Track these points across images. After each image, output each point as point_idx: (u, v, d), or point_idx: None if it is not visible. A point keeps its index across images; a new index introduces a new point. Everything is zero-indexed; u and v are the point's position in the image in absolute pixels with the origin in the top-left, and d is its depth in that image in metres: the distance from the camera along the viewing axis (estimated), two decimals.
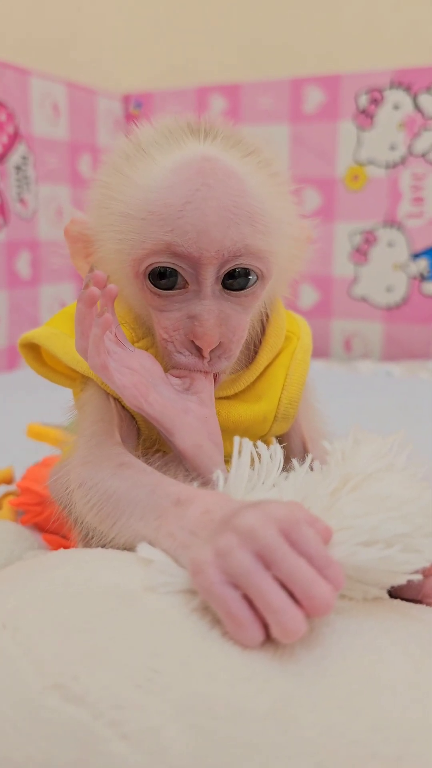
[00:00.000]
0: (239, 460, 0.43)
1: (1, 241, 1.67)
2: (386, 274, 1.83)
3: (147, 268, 0.47)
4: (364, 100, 1.78)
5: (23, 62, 1.71)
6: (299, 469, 0.44)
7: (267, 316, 0.55)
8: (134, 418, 0.53)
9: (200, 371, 0.49)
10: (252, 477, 0.43)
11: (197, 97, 1.97)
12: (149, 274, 0.47)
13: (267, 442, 0.57)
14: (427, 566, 0.40)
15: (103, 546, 0.44)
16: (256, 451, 0.44)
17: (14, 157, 1.68)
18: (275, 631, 0.32)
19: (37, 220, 1.76)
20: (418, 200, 1.77)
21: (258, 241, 0.46)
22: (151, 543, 0.39)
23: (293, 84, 1.85)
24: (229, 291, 0.48)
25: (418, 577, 0.39)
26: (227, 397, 0.54)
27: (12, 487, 0.84)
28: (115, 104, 2.04)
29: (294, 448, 0.59)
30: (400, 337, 1.84)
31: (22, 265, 1.73)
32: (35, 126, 1.74)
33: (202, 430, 0.48)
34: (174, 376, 0.49)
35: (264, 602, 0.32)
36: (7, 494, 0.81)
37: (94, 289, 0.43)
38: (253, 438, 0.54)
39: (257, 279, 0.48)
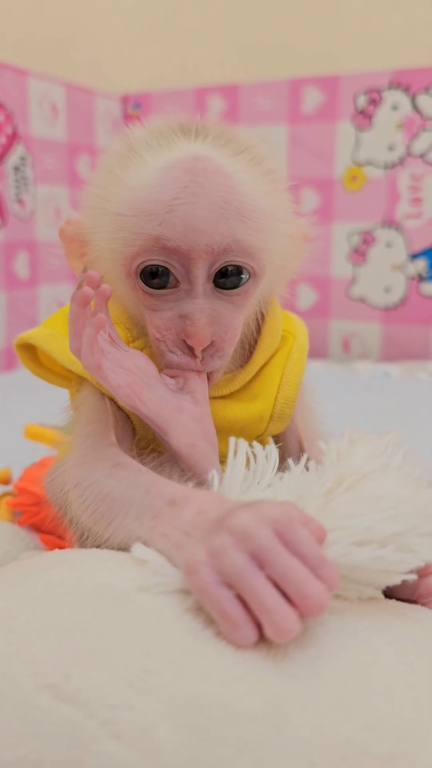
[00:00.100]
0: (234, 460, 0.43)
1: (0, 242, 1.67)
2: (384, 275, 1.83)
3: (138, 266, 0.47)
4: (362, 101, 1.79)
5: (22, 63, 1.71)
6: (294, 469, 0.44)
7: (262, 315, 0.55)
8: (129, 419, 0.53)
9: (193, 370, 0.49)
10: (247, 477, 0.43)
11: (196, 98, 1.98)
12: (141, 273, 0.47)
13: (263, 442, 0.57)
14: (422, 566, 0.40)
15: (98, 546, 0.44)
16: (252, 452, 0.44)
17: (12, 158, 1.68)
18: (269, 631, 0.32)
19: (36, 221, 1.76)
20: (417, 201, 1.77)
21: (249, 237, 0.46)
22: (145, 543, 0.39)
23: (292, 85, 1.85)
24: (221, 290, 0.48)
25: (413, 577, 0.39)
26: (223, 397, 0.54)
27: (9, 488, 0.84)
28: (114, 105, 2.04)
29: (290, 447, 0.59)
30: (399, 338, 1.84)
31: (20, 265, 1.73)
32: (33, 126, 1.74)
33: (197, 430, 0.48)
34: (168, 375, 0.49)
35: (257, 602, 0.32)
36: (4, 495, 0.81)
37: (87, 289, 0.43)
38: (250, 438, 0.54)
39: (249, 277, 0.48)
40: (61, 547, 0.60)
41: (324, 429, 0.60)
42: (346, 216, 1.85)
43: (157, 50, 2.04)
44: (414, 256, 1.79)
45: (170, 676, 0.31)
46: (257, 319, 0.55)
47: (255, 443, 0.45)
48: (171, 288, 0.47)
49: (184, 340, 0.48)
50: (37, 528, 0.74)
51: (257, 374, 0.55)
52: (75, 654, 0.32)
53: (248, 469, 0.44)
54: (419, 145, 1.74)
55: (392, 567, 0.37)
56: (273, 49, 1.90)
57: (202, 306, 0.47)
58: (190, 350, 0.48)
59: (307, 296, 1.92)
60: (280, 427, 0.57)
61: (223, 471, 0.43)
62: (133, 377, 0.46)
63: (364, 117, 1.79)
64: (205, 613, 0.34)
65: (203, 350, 0.48)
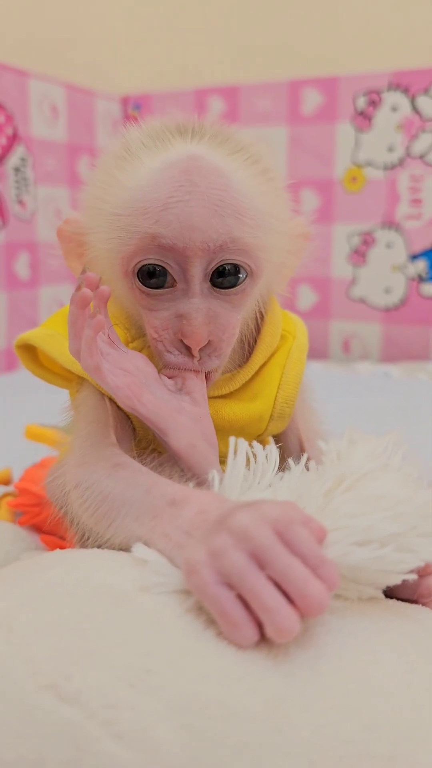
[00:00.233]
0: (234, 460, 0.43)
1: (0, 243, 1.67)
2: (385, 276, 1.83)
3: (135, 266, 0.47)
4: (362, 102, 1.79)
5: (22, 64, 1.71)
6: (294, 469, 0.44)
7: (262, 314, 0.55)
8: (129, 419, 0.53)
9: (191, 370, 0.49)
10: (247, 477, 0.43)
11: (196, 99, 1.98)
12: (138, 273, 0.47)
13: (263, 442, 0.57)
14: (422, 566, 0.40)
15: (98, 546, 0.44)
16: (252, 452, 0.44)
17: (13, 159, 1.68)
18: (269, 631, 0.32)
19: (36, 222, 1.76)
20: (417, 202, 1.77)
21: (245, 235, 0.46)
22: (146, 543, 0.39)
23: (291, 86, 1.85)
24: (218, 289, 0.48)
25: (413, 577, 0.39)
26: (222, 396, 0.54)
27: (10, 488, 0.84)
28: (114, 106, 2.04)
29: (290, 447, 0.59)
30: (399, 339, 1.84)
31: (21, 266, 1.73)
32: (34, 127, 1.74)
33: (196, 430, 0.48)
34: (166, 376, 0.49)
35: (258, 602, 0.32)
36: (5, 495, 0.81)
37: (86, 291, 0.43)
38: (250, 437, 0.54)
39: (247, 276, 0.48)
40: (62, 548, 0.60)
41: (324, 428, 0.60)
42: (346, 217, 1.85)
43: (157, 51, 2.04)
44: (414, 257, 1.79)
45: (171, 676, 0.31)
46: (256, 319, 0.55)
47: (255, 443, 0.45)
48: (168, 288, 0.48)
49: (181, 340, 0.48)
50: (38, 528, 0.74)
51: (257, 373, 0.55)
52: (75, 654, 0.32)
53: (248, 469, 0.44)
54: (419, 146, 1.74)
55: (392, 567, 0.37)
56: (273, 50, 1.90)
57: (198, 305, 0.47)
58: (188, 350, 0.48)
59: (307, 297, 1.92)
60: (280, 427, 0.57)
61: (223, 471, 0.43)
62: (132, 378, 0.46)
63: (363, 118, 1.79)
64: (206, 614, 0.34)
65: (201, 350, 0.48)
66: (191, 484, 0.43)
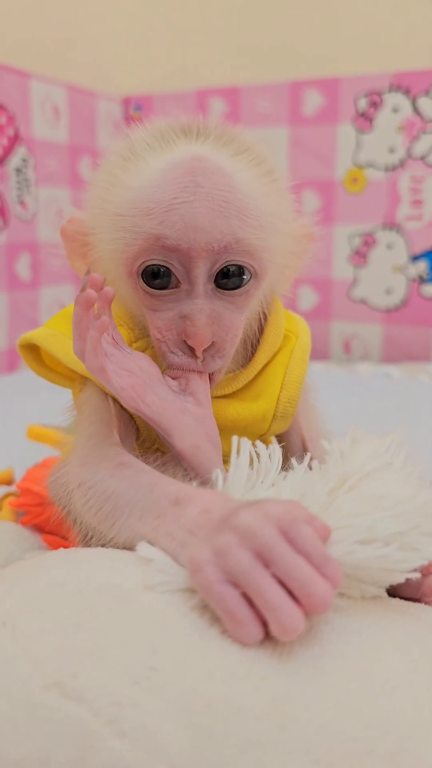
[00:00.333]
0: (238, 459, 0.43)
1: (1, 244, 1.67)
2: (385, 277, 1.83)
3: (140, 266, 0.47)
4: (363, 103, 1.79)
5: (23, 65, 1.71)
6: (298, 469, 0.44)
7: (265, 314, 0.55)
8: (133, 419, 0.53)
9: (194, 371, 0.49)
10: (250, 476, 0.43)
11: (197, 100, 1.98)
12: (142, 274, 0.47)
13: (266, 441, 0.57)
14: (426, 565, 0.40)
15: (102, 546, 0.44)
16: (255, 451, 0.44)
17: (14, 160, 1.68)
18: (274, 629, 0.32)
19: (37, 223, 1.77)
20: (417, 203, 1.77)
21: (249, 236, 0.46)
22: (150, 542, 0.39)
23: (292, 87, 1.85)
24: (222, 290, 0.48)
25: (416, 575, 0.39)
26: (225, 396, 0.54)
27: (12, 488, 0.84)
28: (115, 107, 2.05)
29: (293, 447, 0.59)
30: (400, 339, 1.84)
31: (22, 267, 1.73)
32: (35, 129, 1.74)
33: (200, 431, 0.48)
34: (169, 376, 0.49)
35: (262, 600, 0.32)
36: (7, 495, 0.82)
37: (90, 292, 0.43)
38: (252, 437, 0.54)
39: (251, 277, 0.48)
40: (64, 547, 0.60)
41: (327, 428, 0.60)
42: (347, 218, 1.85)
43: (158, 52, 2.05)
44: (415, 258, 1.79)
45: (175, 674, 0.31)
46: (260, 319, 0.55)
47: (258, 442, 0.45)
48: (172, 288, 0.48)
49: (185, 341, 0.48)
50: (40, 528, 0.74)
51: (260, 373, 0.56)
52: (80, 652, 0.32)
53: (251, 469, 0.44)
54: (420, 148, 1.74)
55: (395, 565, 0.37)
56: (274, 51, 1.90)
57: (202, 306, 0.47)
58: (191, 351, 0.48)
59: (308, 298, 1.93)
60: (283, 427, 0.57)
61: (227, 470, 0.44)
62: (136, 379, 0.46)
63: (364, 119, 1.79)
64: (210, 612, 0.34)
65: (204, 351, 0.48)
66: (194, 484, 0.43)
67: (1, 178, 1.65)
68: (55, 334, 0.54)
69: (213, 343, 0.48)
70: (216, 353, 0.49)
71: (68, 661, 0.31)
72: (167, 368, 0.50)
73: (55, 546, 0.69)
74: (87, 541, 0.48)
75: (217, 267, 0.47)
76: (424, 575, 0.42)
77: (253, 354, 0.55)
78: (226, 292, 0.48)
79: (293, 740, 0.30)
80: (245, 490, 0.42)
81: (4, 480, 0.85)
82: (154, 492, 0.41)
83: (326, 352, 1.93)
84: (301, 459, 0.45)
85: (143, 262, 0.47)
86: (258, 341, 0.55)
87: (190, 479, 0.45)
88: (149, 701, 0.30)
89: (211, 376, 0.50)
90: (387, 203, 1.80)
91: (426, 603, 0.43)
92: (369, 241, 1.84)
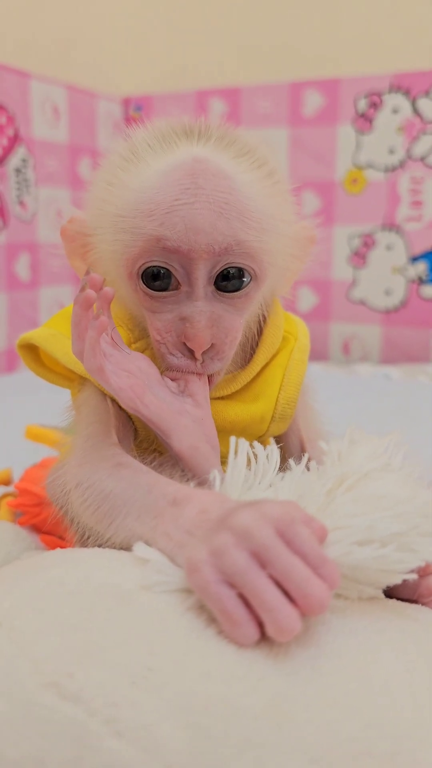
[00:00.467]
0: (235, 460, 0.43)
1: (1, 244, 1.67)
2: (385, 278, 1.83)
3: (140, 268, 0.47)
4: (363, 104, 1.79)
5: (23, 65, 1.71)
6: (295, 469, 0.44)
7: (264, 316, 0.55)
8: (131, 420, 0.53)
9: (194, 373, 0.49)
10: (248, 477, 0.43)
11: (197, 101, 1.98)
12: (142, 275, 0.47)
13: (265, 443, 0.57)
14: (423, 566, 0.40)
15: (99, 546, 0.44)
16: (253, 452, 0.44)
17: (14, 160, 1.69)
18: (270, 630, 0.32)
19: (37, 223, 1.77)
20: (417, 204, 1.77)
21: (250, 237, 0.46)
22: (147, 542, 0.39)
23: (292, 88, 1.85)
24: (222, 293, 0.48)
25: (413, 576, 0.39)
26: (224, 397, 0.54)
27: (10, 489, 0.84)
28: (115, 107, 2.05)
29: (292, 448, 0.59)
30: (399, 340, 1.84)
31: (22, 267, 1.73)
32: (35, 129, 1.74)
33: (198, 432, 0.48)
34: (168, 378, 0.49)
35: (259, 600, 0.32)
36: (5, 495, 0.81)
37: (90, 292, 0.43)
38: (251, 438, 0.54)
39: (251, 280, 0.48)
40: (62, 548, 0.60)
41: (325, 429, 0.60)
42: (347, 219, 1.85)
43: (158, 53, 2.05)
44: (414, 259, 1.79)
45: (172, 674, 0.31)
46: (259, 321, 0.55)
47: (256, 443, 0.45)
48: (172, 290, 0.48)
49: (184, 343, 0.48)
50: (38, 529, 0.74)
51: (258, 375, 0.56)
52: (78, 652, 0.32)
53: (249, 469, 0.44)
54: (419, 149, 1.74)
55: (393, 566, 0.38)
56: (274, 51, 1.91)
57: (202, 308, 0.47)
58: (191, 353, 0.48)
59: (307, 299, 1.93)
60: (281, 428, 0.57)
61: (225, 472, 0.44)
62: (135, 380, 0.46)
63: (364, 120, 1.80)
64: (207, 612, 0.34)
65: (203, 353, 0.48)
66: (192, 484, 0.43)
67: (0, 178, 1.65)
68: (55, 335, 0.54)
69: (212, 345, 0.48)
70: (215, 355, 0.49)
71: (65, 661, 0.31)
72: (166, 370, 0.50)
73: (52, 546, 0.69)
74: (84, 542, 0.48)
75: (218, 269, 0.47)
76: (421, 576, 0.42)
77: (252, 355, 0.55)
78: (226, 294, 0.48)
79: (291, 740, 0.30)
80: (243, 490, 0.42)
81: (2, 480, 0.85)
82: (152, 492, 0.41)
83: (325, 353, 1.93)
84: (299, 460, 0.45)
85: (143, 264, 0.47)
86: (257, 343, 0.55)
87: (188, 480, 0.45)
88: (146, 701, 0.30)
89: (210, 378, 0.50)
90: (387, 204, 1.80)
91: (423, 604, 0.43)
92: (368, 242, 1.84)
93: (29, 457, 0.86)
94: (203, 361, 0.49)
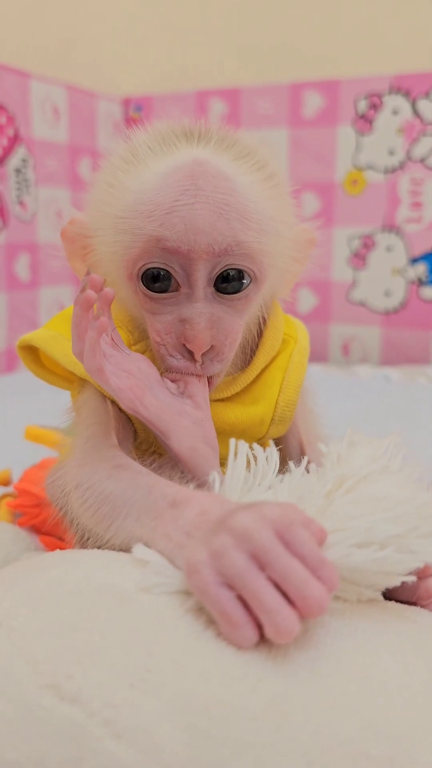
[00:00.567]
0: (235, 462, 0.43)
1: (1, 244, 1.67)
2: (385, 279, 1.83)
3: (140, 269, 0.47)
4: (363, 105, 1.79)
5: (23, 65, 1.71)
6: (295, 471, 0.44)
7: (264, 318, 0.55)
8: (131, 421, 0.53)
9: (193, 374, 0.49)
10: (248, 479, 0.43)
11: (197, 101, 1.98)
12: (142, 277, 0.47)
13: (264, 445, 0.57)
14: (422, 568, 0.40)
15: (99, 547, 0.44)
16: (252, 453, 0.44)
17: (14, 160, 1.69)
18: (269, 632, 0.32)
19: (37, 223, 1.77)
20: (417, 205, 1.77)
21: (250, 239, 0.46)
22: (147, 544, 0.39)
23: (293, 89, 1.86)
24: (222, 294, 0.48)
25: (412, 578, 0.39)
26: (223, 399, 0.54)
27: (9, 489, 0.84)
28: (115, 107, 2.05)
29: (291, 450, 0.59)
30: (399, 342, 1.84)
31: (21, 267, 1.73)
32: (35, 129, 1.74)
33: (198, 433, 0.48)
34: (168, 379, 0.49)
35: (258, 602, 0.32)
36: (4, 496, 0.82)
37: (90, 293, 0.43)
38: (250, 440, 0.54)
39: (251, 282, 0.48)
40: (61, 548, 0.60)
41: (325, 432, 0.60)
42: (347, 220, 1.85)
43: (158, 53, 2.05)
44: (414, 261, 1.80)
45: (171, 676, 0.31)
46: (259, 323, 0.55)
47: (255, 445, 0.45)
48: (172, 292, 0.48)
49: (184, 344, 0.48)
50: (37, 529, 0.74)
51: (258, 377, 0.56)
52: (76, 654, 0.32)
53: (249, 471, 0.44)
54: (419, 150, 1.75)
55: (392, 568, 0.38)
56: (274, 52, 1.91)
57: (201, 310, 0.47)
58: (190, 354, 0.48)
59: (307, 300, 1.93)
60: (281, 431, 0.57)
61: (224, 474, 0.44)
62: (135, 381, 0.46)
63: (364, 121, 1.80)
64: (206, 614, 0.34)
65: (203, 354, 0.48)
66: (192, 486, 0.43)
67: (0, 178, 1.65)
68: (55, 336, 0.54)
69: (212, 346, 0.48)
70: (215, 357, 0.49)
71: (64, 662, 0.32)
72: (166, 371, 0.50)
73: (51, 547, 0.69)
74: (84, 543, 0.48)
75: (217, 271, 0.47)
76: (419, 578, 0.42)
77: (251, 358, 0.55)
78: (226, 296, 0.48)
79: (289, 742, 0.30)
80: (242, 492, 0.42)
81: (1, 481, 0.85)
82: (151, 494, 0.41)
83: (325, 354, 1.93)
84: (298, 462, 0.45)
85: (143, 265, 0.47)
86: (257, 345, 0.56)
87: (188, 481, 0.45)
88: (145, 703, 0.30)
89: (209, 380, 0.50)
90: (386, 205, 1.80)
91: (422, 606, 0.43)
92: (368, 243, 1.84)
93: (28, 457, 0.86)
94: (203, 363, 0.49)
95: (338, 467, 0.44)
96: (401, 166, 1.77)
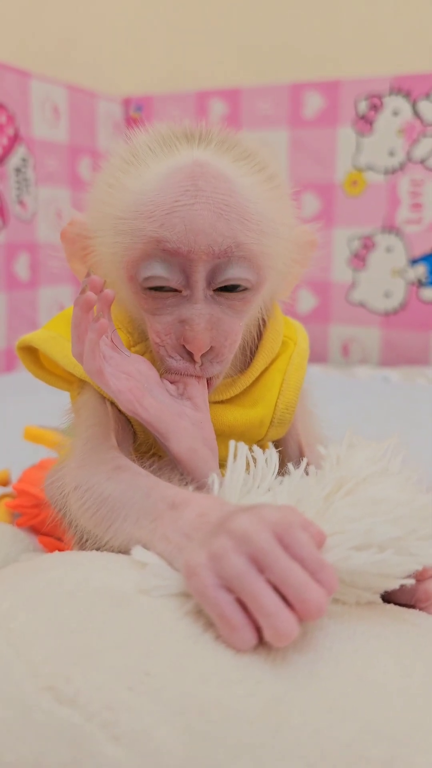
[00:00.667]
0: (234, 464, 0.43)
1: (0, 244, 1.67)
2: (384, 280, 1.83)
3: (140, 270, 0.47)
4: (363, 106, 1.79)
5: (24, 65, 1.71)
6: (294, 474, 0.44)
7: (264, 320, 0.55)
8: (130, 423, 0.53)
9: (193, 376, 0.49)
10: (247, 481, 0.43)
11: (197, 102, 1.98)
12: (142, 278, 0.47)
13: (263, 447, 0.57)
14: (420, 571, 0.40)
15: (98, 549, 0.44)
16: (251, 456, 0.44)
17: (14, 159, 1.68)
18: (268, 634, 0.32)
19: (37, 223, 1.77)
20: (417, 206, 1.77)
21: (250, 240, 0.46)
22: (145, 546, 0.39)
23: (293, 89, 1.86)
24: (221, 293, 0.48)
25: (411, 581, 0.39)
26: (223, 401, 0.54)
27: (8, 489, 0.84)
28: (115, 107, 2.05)
29: (290, 452, 0.59)
30: (398, 343, 1.84)
31: (21, 267, 1.73)
32: (35, 128, 1.74)
33: (197, 435, 0.48)
34: (168, 380, 0.49)
35: (257, 605, 0.32)
36: (3, 496, 0.81)
37: (90, 294, 0.43)
38: (250, 442, 0.54)
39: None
40: (60, 550, 0.60)
41: (324, 433, 0.60)
42: (347, 221, 1.85)
43: (158, 53, 2.05)
44: (414, 262, 1.80)
45: (170, 678, 0.31)
46: (258, 325, 0.55)
47: (255, 447, 0.45)
48: (172, 292, 0.48)
49: (183, 346, 0.48)
50: (35, 530, 0.74)
51: (258, 379, 0.56)
52: (75, 656, 0.32)
53: (248, 473, 0.44)
54: (420, 151, 1.75)
55: (391, 571, 0.38)
56: (274, 53, 1.91)
57: (201, 311, 0.47)
58: (190, 355, 0.48)
59: (306, 301, 1.93)
60: (280, 433, 0.57)
61: (223, 475, 0.44)
62: (135, 382, 0.46)
63: (365, 122, 1.80)
64: (205, 617, 0.34)
65: (202, 356, 0.48)
66: (191, 488, 0.43)
67: (0, 178, 1.65)
68: (54, 337, 0.54)
69: (211, 348, 0.48)
70: (214, 358, 0.49)
71: (62, 664, 0.32)
72: (165, 373, 0.50)
73: (50, 548, 0.69)
74: (82, 544, 0.48)
75: (219, 281, 0.47)
76: (418, 581, 0.42)
77: (251, 360, 0.55)
78: (226, 294, 0.48)
79: (287, 744, 0.30)
80: (241, 494, 0.42)
81: (0, 481, 0.85)
82: (150, 495, 0.41)
83: (324, 355, 1.93)
84: (298, 465, 0.45)
85: (143, 266, 0.47)
86: (256, 347, 0.55)
87: (187, 484, 0.45)
88: (144, 705, 0.30)
89: (209, 381, 0.50)
90: (386, 206, 1.80)
91: (420, 609, 0.43)
92: (368, 244, 1.84)
93: (27, 457, 0.85)
94: (202, 364, 0.49)
95: (337, 469, 0.44)
96: (401, 167, 1.77)
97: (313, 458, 0.53)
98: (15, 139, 1.68)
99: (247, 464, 0.44)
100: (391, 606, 0.42)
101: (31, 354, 0.56)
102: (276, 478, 0.44)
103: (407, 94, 1.73)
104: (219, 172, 0.45)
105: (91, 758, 0.29)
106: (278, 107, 1.88)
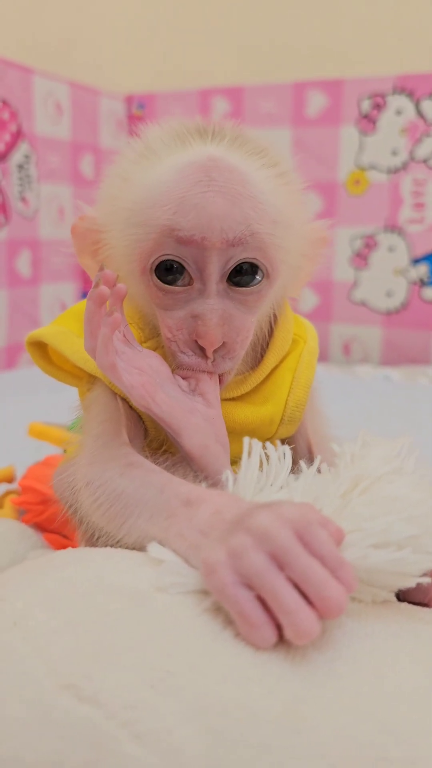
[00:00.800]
0: (248, 461, 0.43)
1: (2, 240, 1.66)
2: (386, 279, 1.83)
3: (153, 262, 0.47)
4: (366, 105, 1.79)
5: (26, 61, 1.70)
6: (307, 471, 0.44)
7: (275, 317, 0.55)
8: (141, 419, 0.52)
9: (205, 371, 0.49)
10: (261, 478, 0.43)
11: (199, 100, 1.98)
12: (156, 269, 0.47)
13: (273, 445, 0.57)
14: None
15: (109, 546, 0.44)
16: (265, 453, 0.44)
17: (16, 156, 1.68)
18: (288, 632, 0.32)
19: (39, 219, 1.76)
20: (419, 206, 1.77)
21: (263, 229, 0.46)
22: (160, 543, 0.39)
23: (296, 88, 1.85)
24: (234, 288, 0.48)
25: (427, 579, 0.39)
26: (233, 399, 0.54)
27: (13, 486, 0.84)
28: (118, 105, 2.04)
29: (299, 451, 0.58)
30: (400, 342, 1.84)
31: (23, 264, 1.73)
32: (38, 125, 1.74)
33: (209, 431, 0.47)
34: (180, 376, 0.49)
35: (277, 603, 0.32)
36: (8, 493, 0.81)
37: (103, 288, 0.43)
38: (260, 440, 0.54)
39: (264, 277, 0.48)
40: (65, 546, 0.59)
41: (333, 433, 0.60)
42: (349, 220, 1.85)
43: (161, 51, 2.04)
44: (416, 261, 1.79)
45: (190, 677, 0.31)
46: (270, 322, 0.54)
47: (269, 444, 0.45)
48: (185, 286, 0.47)
49: (195, 341, 0.48)
50: (41, 527, 0.74)
51: (268, 377, 0.55)
52: (94, 654, 0.31)
53: (262, 471, 0.43)
54: (422, 150, 1.75)
55: (408, 569, 0.37)
56: (277, 51, 1.90)
57: (214, 306, 0.47)
58: (202, 351, 0.48)
59: (308, 299, 1.93)
60: (290, 431, 0.57)
61: (234, 472, 0.43)
62: (147, 377, 0.46)
63: (368, 121, 1.80)
64: (224, 614, 0.34)
65: (214, 351, 0.48)
66: (204, 485, 0.42)
67: (3, 174, 1.65)
68: (64, 332, 0.54)
69: (224, 343, 0.48)
70: (226, 354, 0.49)
71: (82, 662, 0.31)
72: (177, 368, 0.49)
73: (56, 545, 0.69)
74: (93, 541, 0.47)
75: (231, 264, 0.47)
76: None
77: (262, 357, 0.55)
78: (238, 289, 0.48)
79: (308, 744, 0.29)
80: (255, 491, 0.42)
81: (4, 477, 0.85)
82: (164, 492, 0.41)
83: (326, 354, 1.93)
84: (307, 463, 0.45)
85: (157, 258, 0.47)
86: (267, 344, 0.55)
87: (200, 481, 0.45)
88: (164, 704, 0.30)
89: (220, 377, 0.50)
90: (389, 206, 1.80)
91: None
92: (370, 243, 1.84)
93: (32, 454, 0.85)
94: (214, 360, 0.48)
95: (352, 468, 0.43)
96: (404, 166, 1.77)
97: (323, 457, 0.53)
98: (18, 135, 1.68)
99: (261, 461, 0.44)
100: (406, 605, 0.41)
101: (40, 349, 0.56)
102: (290, 475, 0.44)
103: (410, 94, 1.73)
104: (233, 166, 0.45)
105: (111, 757, 0.29)
106: (281, 106, 1.88)
